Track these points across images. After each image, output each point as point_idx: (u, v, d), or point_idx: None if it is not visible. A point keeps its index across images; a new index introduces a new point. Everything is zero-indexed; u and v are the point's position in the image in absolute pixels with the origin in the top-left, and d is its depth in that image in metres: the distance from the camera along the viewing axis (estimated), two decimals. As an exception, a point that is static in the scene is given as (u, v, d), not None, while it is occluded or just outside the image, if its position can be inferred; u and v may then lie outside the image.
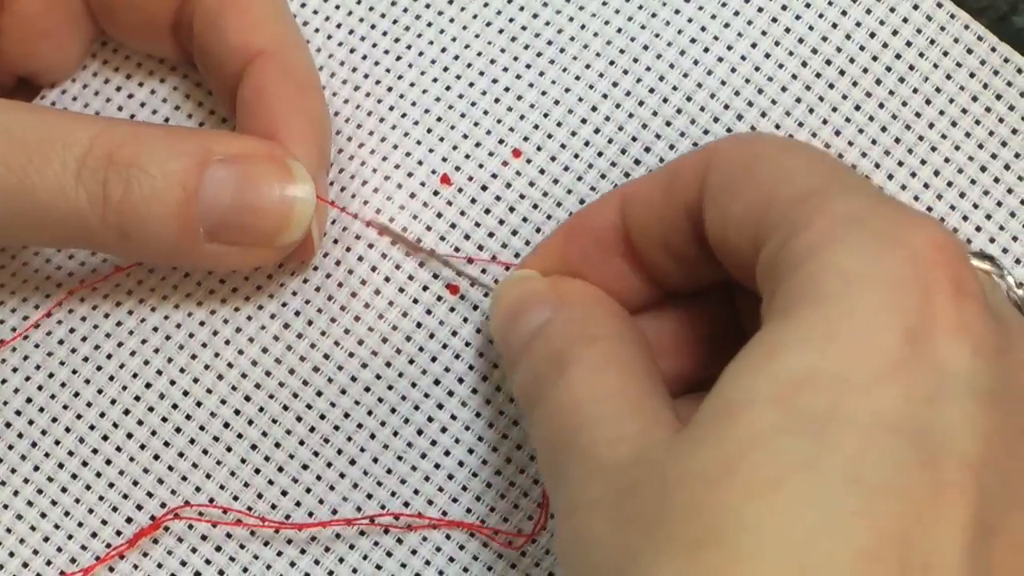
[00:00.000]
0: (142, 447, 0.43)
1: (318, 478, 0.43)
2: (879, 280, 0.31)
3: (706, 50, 0.45)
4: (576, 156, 0.44)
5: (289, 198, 0.41)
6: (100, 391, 0.43)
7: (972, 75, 0.45)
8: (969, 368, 0.31)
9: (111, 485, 0.43)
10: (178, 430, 0.43)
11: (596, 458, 0.33)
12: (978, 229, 0.44)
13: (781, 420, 0.30)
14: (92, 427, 0.43)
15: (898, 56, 0.45)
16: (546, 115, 0.45)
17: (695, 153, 0.38)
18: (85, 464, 0.43)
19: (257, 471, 0.43)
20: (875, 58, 0.45)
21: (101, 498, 0.43)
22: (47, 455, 0.43)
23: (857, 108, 0.45)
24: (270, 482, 0.43)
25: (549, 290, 0.40)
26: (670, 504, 0.31)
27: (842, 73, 0.45)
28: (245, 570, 0.43)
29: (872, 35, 0.45)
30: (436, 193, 0.44)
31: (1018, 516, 0.31)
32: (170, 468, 0.43)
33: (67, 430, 0.43)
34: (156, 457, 0.43)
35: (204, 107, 0.47)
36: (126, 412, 0.43)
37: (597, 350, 0.36)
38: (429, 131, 0.45)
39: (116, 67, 0.48)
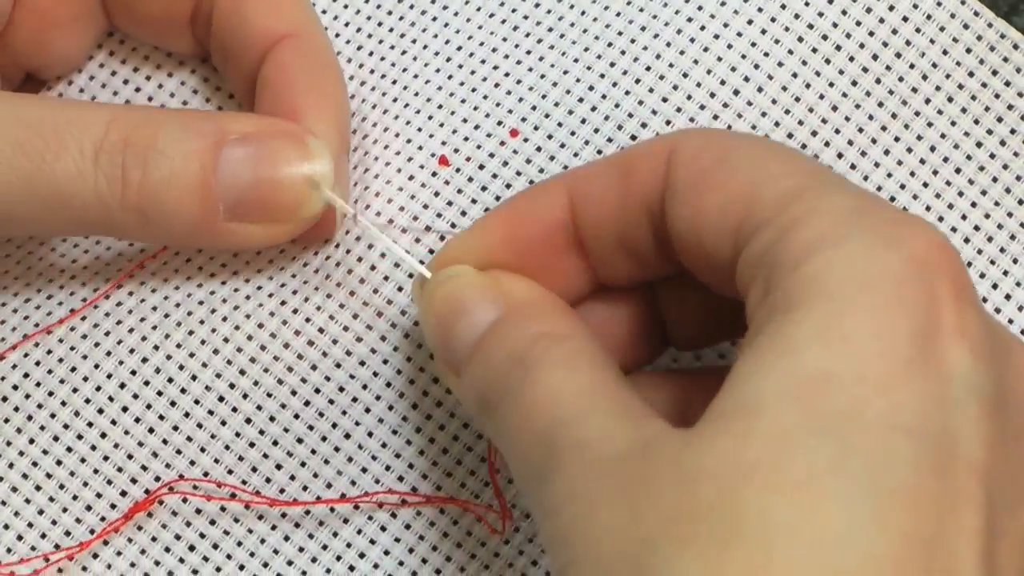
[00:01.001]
0: (137, 420, 0.43)
1: (313, 452, 0.43)
2: (885, 280, 0.31)
3: (702, 28, 0.45)
4: (572, 133, 0.44)
5: (307, 173, 0.41)
6: (96, 366, 0.43)
7: (969, 50, 0.45)
8: (971, 371, 0.31)
9: (106, 458, 0.43)
10: (173, 404, 0.43)
11: (590, 451, 0.33)
12: (973, 205, 0.44)
13: (804, 419, 0.30)
14: (87, 400, 0.43)
15: (895, 31, 0.45)
16: (544, 96, 0.45)
17: (648, 147, 0.37)
18: (80, 437, 0.43)
19: (252, 444, 0.43)
20: (872, 33, 0.45)
21: (96, 471, 0.43)
22: (42, 428, 0.43)
23: (854, 83, 0.45)
24: (265, 456, 0.43)
25: (491, 287, 0.38)
26: (691, 498, 0.30)
27: (838, 48, 0.45)
28: (239, 544, 0.43)
29: (868, 10, 0.45)
30: (434, 174, 0.45)
31: (1013, 523, 0.32)
32: (164, 442, 0.43)
33: (63, 403, 0.43)
34: (151, 430, 0.43)
35: (212, 103, 0.47)
36: (121, 386, 0.43)
37: (564, 349, 0.35)
38: (430, 118, 0.45)
39: (123, 59, 0.48)
